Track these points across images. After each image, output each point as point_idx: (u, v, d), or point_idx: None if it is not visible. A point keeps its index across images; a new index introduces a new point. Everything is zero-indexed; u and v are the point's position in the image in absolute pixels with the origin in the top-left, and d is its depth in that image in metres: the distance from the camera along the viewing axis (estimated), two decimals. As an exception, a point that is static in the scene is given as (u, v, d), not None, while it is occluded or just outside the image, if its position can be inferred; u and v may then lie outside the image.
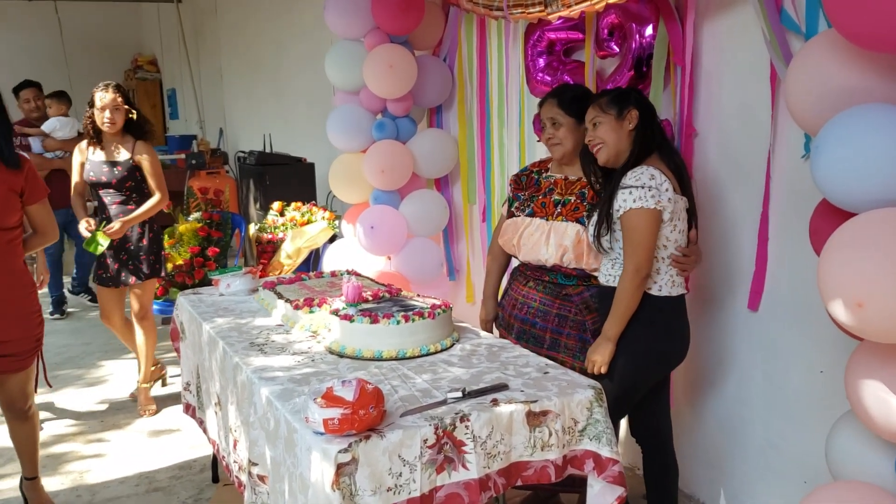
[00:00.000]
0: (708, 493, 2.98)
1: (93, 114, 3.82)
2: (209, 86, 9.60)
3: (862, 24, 1.62)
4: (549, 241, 2.66)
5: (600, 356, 2.45)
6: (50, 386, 3.31)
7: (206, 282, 4.50)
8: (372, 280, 3.22)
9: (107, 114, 3.77)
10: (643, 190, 2.33)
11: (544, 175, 2.82)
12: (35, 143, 5.80)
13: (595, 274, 2.63)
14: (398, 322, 2.37)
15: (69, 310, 6.23)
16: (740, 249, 2.71)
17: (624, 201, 2.36)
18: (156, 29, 10.85)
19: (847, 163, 1.69)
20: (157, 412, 4.12)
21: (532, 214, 2.74)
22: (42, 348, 2.99)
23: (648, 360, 2.49)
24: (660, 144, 2.47)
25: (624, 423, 2.83)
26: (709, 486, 2.97)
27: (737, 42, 2.63)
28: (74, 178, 3.94)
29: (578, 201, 2.68)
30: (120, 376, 4.71)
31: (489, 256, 3.04)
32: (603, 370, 2.44)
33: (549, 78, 3.30)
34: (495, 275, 3.01)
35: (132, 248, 3.95)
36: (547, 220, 2.70)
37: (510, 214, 2.83)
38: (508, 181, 3.00)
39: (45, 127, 5.82)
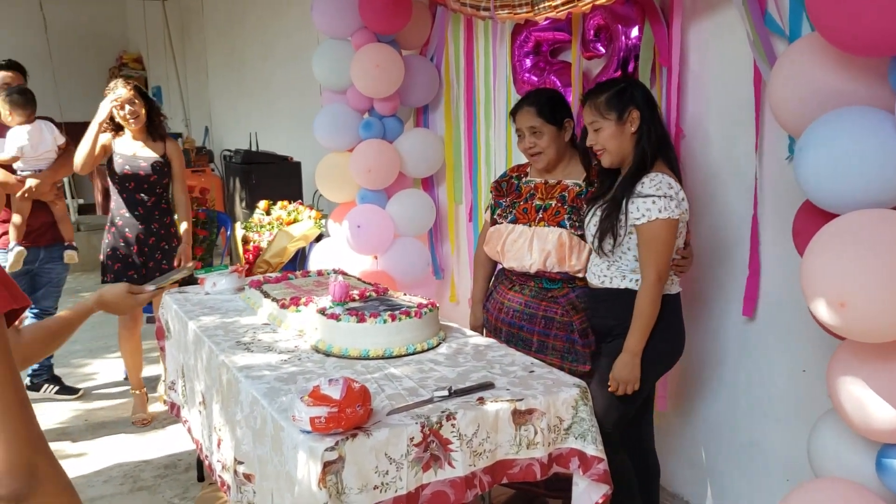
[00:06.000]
0: (693, 491, 3.00)
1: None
2: (195, 84, 9.54)
3: (844, 28, 1.64)
4: (533, 247, 2.65)
5: (629, 373, 2.35)
6: None
7: (191, 281, 4.47)
8: (358, 279, 3.22)
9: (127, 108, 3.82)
10: (666, 199, 2.29)
11: (524, 180, 2.82)
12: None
13: (579, 275, 2.64)
14: (385, 321, 2.37)
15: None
16: (729, 252, 2.72)
17: (648, 210, 2.30)
18: (141, 26, 10.77)
19: (829, 165, 1.72)
20: (149, 422, 3.99)
21: (515, 221, 2.74)
22: None
23: (652, 360, 2.42)
24: (662, 146, 2.41)
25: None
26: (695, 485, 2.99)
27: (722, 43, 2.64)
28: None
29: (559, 205, 2.67)
30: (105, 374, 4.69)
31: (475, 263, 3.04)
32: (635, 387, 2.35)
33: (535, 78, 3.31)
34: (482, 281, 2.99)
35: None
36: (529, 226, 2.69)
37: (493, 221, 2.84)
38: (490, 187, 2.99)
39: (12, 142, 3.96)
